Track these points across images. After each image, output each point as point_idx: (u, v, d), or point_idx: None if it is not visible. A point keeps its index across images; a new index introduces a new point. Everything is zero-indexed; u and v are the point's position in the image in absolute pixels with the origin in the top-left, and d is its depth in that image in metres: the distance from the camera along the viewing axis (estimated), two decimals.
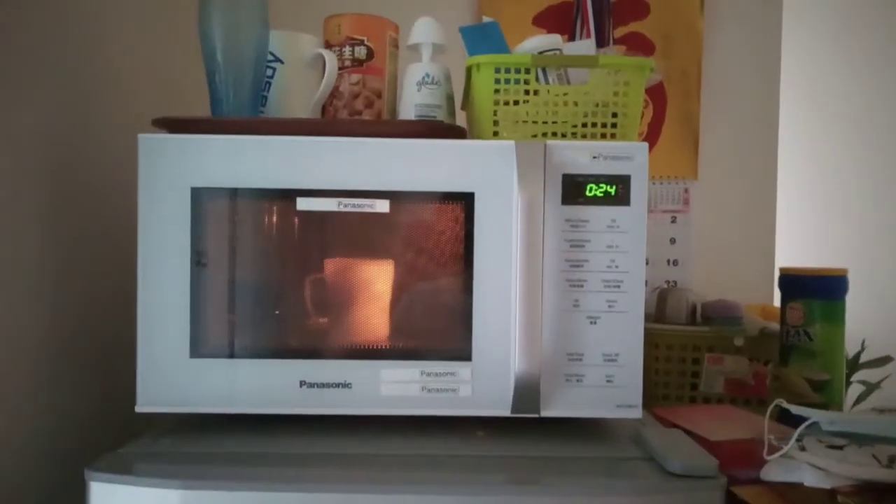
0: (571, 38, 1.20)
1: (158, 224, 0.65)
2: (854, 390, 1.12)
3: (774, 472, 0.61)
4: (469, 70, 0.74)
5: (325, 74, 0.77)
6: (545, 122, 0.73)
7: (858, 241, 1.53)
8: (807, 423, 0.63)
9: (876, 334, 1.18)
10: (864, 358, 1.14)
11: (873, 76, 1.53)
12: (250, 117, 0.72)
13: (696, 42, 1.23)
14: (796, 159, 1.45)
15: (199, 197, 0.65)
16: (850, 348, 1.00)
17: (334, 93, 0.80)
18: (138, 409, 0.66)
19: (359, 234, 0.67)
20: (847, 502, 0.55)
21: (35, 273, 0.70)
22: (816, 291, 0.88)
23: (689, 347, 0.99)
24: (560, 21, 1.21)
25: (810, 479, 0.58)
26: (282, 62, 0.77)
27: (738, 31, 1.27)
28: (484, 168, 0.66)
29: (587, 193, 0.66)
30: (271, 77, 0.77)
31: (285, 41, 0.77)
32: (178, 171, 0.65)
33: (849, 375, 1.04)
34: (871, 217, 1.53)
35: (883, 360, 1.14)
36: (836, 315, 0.88)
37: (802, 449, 0.60)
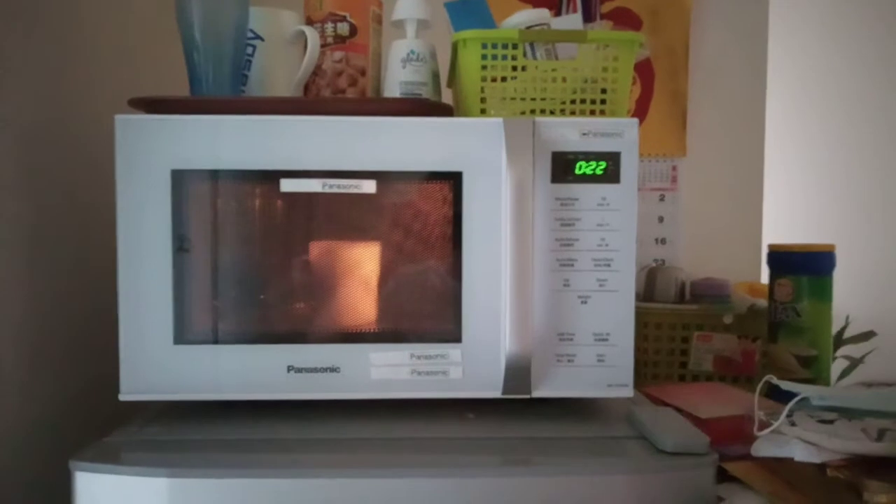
0: (557, 13, 1.18)
1: (138, 208, 0.63)
2: (838, 365, 1.13)
3: (765, 447, 0.61)
4: (455, 46, 0.73)
5: (307, 52, 0.75)
6: (533, 99, 0.72)
7: (843, 218, 1.54)
8: (797, 398, 0.63)
9: (859, 310, 1.19)
10: (847, 333, 1.15)
11: (861, 55, 1.53)
12: (231, 96, 0.70)
13: (683, 17, 1.22)
14: (784, 136, 1.45)
15: (180, 179, 0.64)
16: (834, 324, 1.01)
17: (317, 70, 0.78)
18: (122, 397, 0.64)
19: (345, 216, 0.66)
20: (837, 476, 0.55)
21: (12, 259, 0.68)
22: (804, 268, 0.88)
23: (678, 326, 0.99)
24: None
25: (801, 453, 0.58)
26: (262, 39, 0.75)
27: (726, 5, 1.26)
28: (472, 146, 0.65)
29: (577, 171, 0.65)
30: (251, 55, 0.74)
31: (265, 18, 0.75)
32: (157, 153, 0.63)
33: (833, 351, 1.05)
34: (856, 193, 1.54)
35: (866, 336, 1.16)
36: (823, 291, 0.88)
37: (793, 424, 0.60)
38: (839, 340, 1.13)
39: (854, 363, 1.16)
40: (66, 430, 0.76)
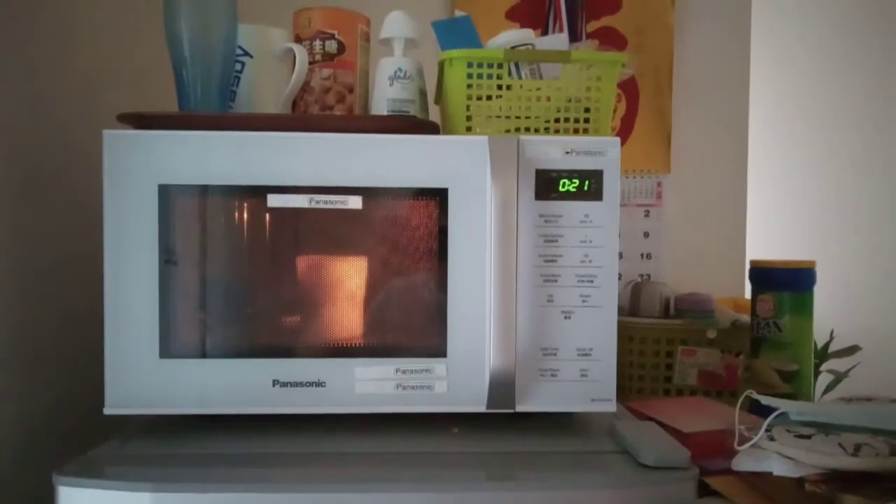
0: (544, 32, 1.20)
1: (125, 222, 0.64)
2: (823, 379, 1.14)
3: (745, 462, 0.61)
4: (441, 65, 0.74)
5: (296, 69, 0.76)
6: (518, 117, 0.73)
7: (828, 233, 1.56)
8: (775, 413, 0.64)
9: (844, 325, 1.20)
10: (832, 348, 1.17)
11: (844, 72, 1.56)
12: (219, 112, 0.71)
13: (667, 36, 1.24)
14: (767, 153, 1.47)
15: (167, 194, 0.64)
16: (820, 339, 1.02)
17: (305, 87, 0.79)
18: (107, 411, 0.64)
19: (331, 231, 0.66)
20: (814, 490, 0.56)
21: None
22: (785, 283, 0.89)
23: (663, 340, 1.00)
24: (533, 15, 1.21)
25: (779, 468, 0.58)
26: (251, 56, 0.75)
27: (709, 25, 1.28)
28: (457, 163, 0.66)
29: (560, 188, 0.66)
30: (240, 72, 0.75)
31: (254, 35, 0.76)
32: (144, 168, 0.64)
33: (818, 365, 1.06)
34: (843, 208, 1.56)
35: (851, 350, 1.17)
36: (804, 306, 0.89)
37: (772, 439, 0.61)
38: (824, 355, 1.14)
39: (838, 378, 1.17)
40: (51, 444, 0.76)
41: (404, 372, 0.66)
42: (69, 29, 0.81)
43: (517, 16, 1.21)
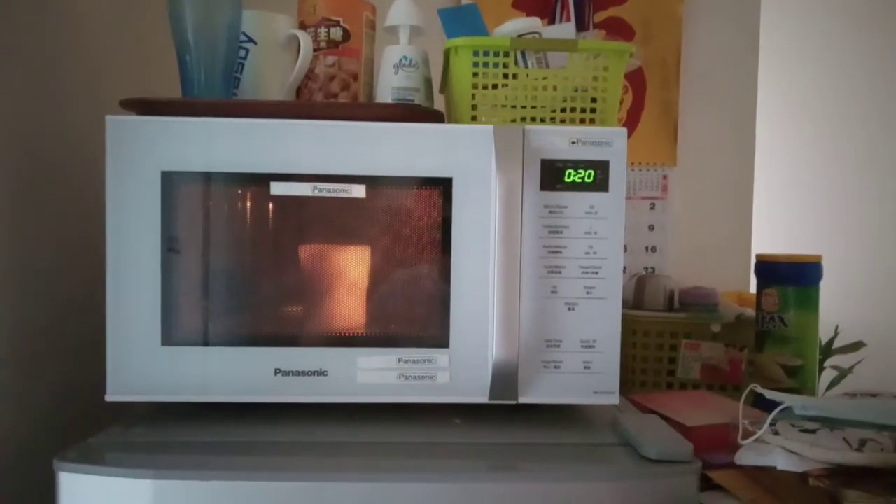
0: (552, 21, 1.19)
1: (128, 209, 0.64)
2: (827, 375, 1.14)
3: (748, 456, 0.61)
4: (447, 53, 0.73)
5: (300, 56, 0.75)
6: (524, 107, 0.72)
7: (834, 228, 1.55)
8: (780, 407, 0.63)
9: (849, 320, 1.20)
10: (837, 343, 1.16)
11: (851, 67, 1.55)
12: (222, 99, 0.71)
13: (675, 28, 1.23)
14: (774, 147, 1.46)
15: (170, 181, 0.64)
16: (824, 334, 1.02)
17: (309, 75, 0.78)
18: (109, 398, 0.64)
19: (335, 220, 0.66)
20: (818, 485, 0.56)
21: (1, 259, 0.68)
22: (791, 278, 0.89)
23: (667, 334, 0.99)
24: (540, 4, 1.20)
25: (783, 462, 0.58)
26: (255, 43, 0.75)
27: (717, 18, 1.27)
28: (462, 153, 0.65)
29: (566, 179, 0.65)
30: (244, 58, 0.75)
31: (259, 21, 0.75)
32: (147, 155, 0.64)
33: (822, 361, 1.06)
34: (846, 205, 1.55)
35: (855, 346, 1.16)
36: (809, 301, 0.89)
37: (775, 433, 0.61)
38: (829, 350, 1.14)
39: (843, 373, 1.17)
40: (52, 431, 0.76)
41: (406, 362, 0.66)
42: (71, 21, 0.80)
43: (524, 5, 1.20)
